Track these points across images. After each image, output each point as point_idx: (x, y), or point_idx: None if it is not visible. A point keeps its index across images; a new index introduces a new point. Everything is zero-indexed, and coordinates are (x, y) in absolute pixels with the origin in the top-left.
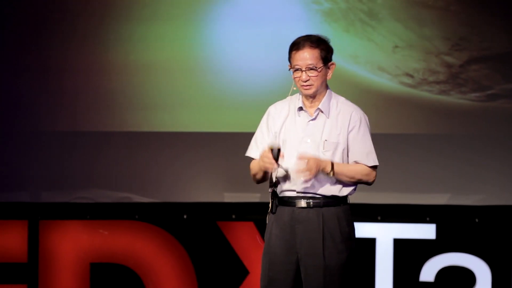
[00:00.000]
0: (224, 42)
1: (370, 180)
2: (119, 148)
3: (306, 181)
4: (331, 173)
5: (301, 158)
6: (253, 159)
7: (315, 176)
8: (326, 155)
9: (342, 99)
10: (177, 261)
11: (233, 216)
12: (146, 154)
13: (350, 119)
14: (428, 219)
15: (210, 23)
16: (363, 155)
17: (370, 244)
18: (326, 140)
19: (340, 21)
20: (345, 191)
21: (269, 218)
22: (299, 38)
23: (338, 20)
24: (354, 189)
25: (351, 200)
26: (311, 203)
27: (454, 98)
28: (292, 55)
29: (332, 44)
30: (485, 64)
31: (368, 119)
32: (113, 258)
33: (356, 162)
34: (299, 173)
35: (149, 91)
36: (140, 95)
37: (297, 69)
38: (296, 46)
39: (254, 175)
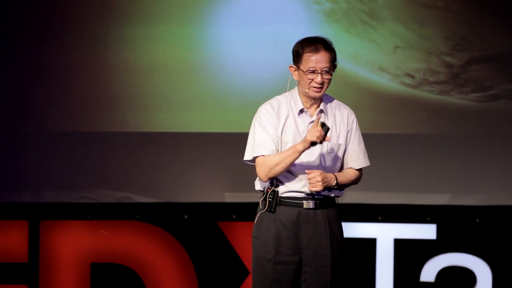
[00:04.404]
0: (225, 42)
1: (358, 181)
2: (120, 148)
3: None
4: (335, 186)
5: (308, 173)
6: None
7: (322, 190)
8: (329, 156)
9: (333, 99)
10: (177, 262)
11: (234, 216)
12: (147, 154)
13: (347, 120)
14: (428, 219)
15: (211, 24)
16: (360, 156)
17: (370, 244)
18: (329, 141)
19: (341, 21)
20: (340, 192)
21: (261, 217)
22: (313, 39)
23: (339, 20)
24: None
25: (349, 200)
26: (319, 204)
27: (455, 99)
28: (307, 57)
29: (333, 44)
30: (486, 64)
31: (369, 119)
32: (114, 258)
33: (351, 165)
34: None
35: (150, 91)
36: (141, 95)
37: (312, 71)
38: (313, 47)
39: (276, 165)
